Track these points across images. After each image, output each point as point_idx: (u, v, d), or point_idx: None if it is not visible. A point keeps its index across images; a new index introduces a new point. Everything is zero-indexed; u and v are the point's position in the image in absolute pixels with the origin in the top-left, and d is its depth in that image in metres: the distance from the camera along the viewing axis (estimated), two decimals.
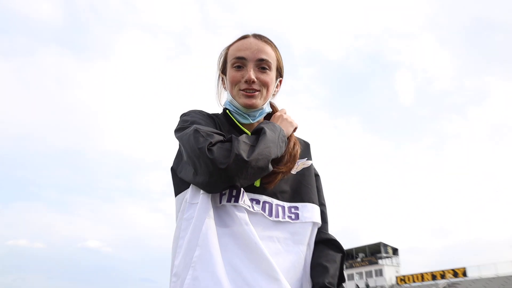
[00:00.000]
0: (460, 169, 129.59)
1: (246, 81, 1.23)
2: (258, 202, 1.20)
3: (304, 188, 1.31)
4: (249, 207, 1.16)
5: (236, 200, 1.14)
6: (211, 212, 1.12)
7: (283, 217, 1.23)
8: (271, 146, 1.13)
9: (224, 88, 1.37)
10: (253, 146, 1.09)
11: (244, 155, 1.05)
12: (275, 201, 1.23)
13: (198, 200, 1.14)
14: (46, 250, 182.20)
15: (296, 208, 1.26)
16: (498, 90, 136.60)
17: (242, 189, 1.16)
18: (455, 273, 41.47)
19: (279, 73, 1.37)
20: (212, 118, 1.27)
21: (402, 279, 46.25)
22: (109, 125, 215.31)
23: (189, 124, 1.17)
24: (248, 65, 1.24)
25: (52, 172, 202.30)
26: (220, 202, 1.15)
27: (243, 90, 1.25)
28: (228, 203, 1.14)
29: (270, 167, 1.13)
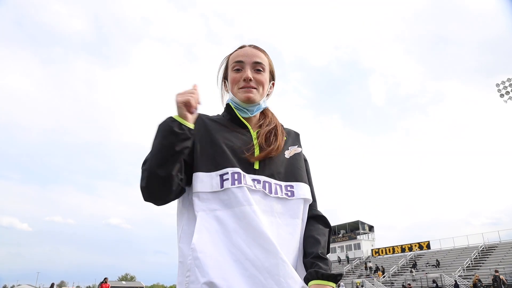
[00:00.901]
0: (423, 158, 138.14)
1: (244, 80, 1.38)
2: (259, 181, 1.30)
3: (297, 170, 1.40)
4: (252, 186, 1.27)
5: (240, 182, 1.25)
6: (206, 197, 1.24)
7: (281, 194, 1.33)
8: (151, 158, 1.19)
9: (226, 91, 1.49)
10: (144, 170, 1.18)
11: (141, 183, 1.18)
12: (273, 181, 1.33)
13: (196, 189, 1.25)
14: (76, 225, 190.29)
15: (292, 186, 1.36)
16: (453, 93, 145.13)
17: (242, 172, 1.27)
18: (420, 246, 44.78)
19: (272, 77, 1.50)
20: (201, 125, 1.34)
21: (377, 252, 49.54)
22: (127, 120, 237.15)
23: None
24: (245, 67, 1.39)
25: (80, 160, 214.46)
26: (222, 187, 1.24)
27: (242, 87, 1.39)
28: (233, 186, 1.23)
29: (170, 169, 1.16)
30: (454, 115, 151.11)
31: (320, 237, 1.33)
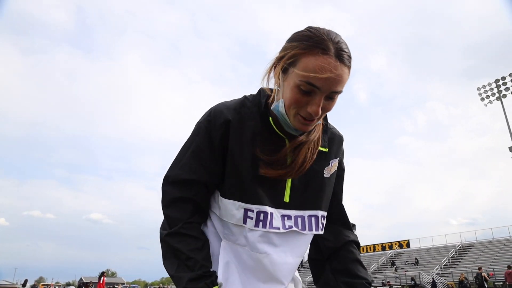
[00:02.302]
0: (405, 158, 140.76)
1: (309, 112, 0.99)
2: (289, 217, 1.13)
3: (329, 194, 1.20)
4: (278, 229, 1.11)
5: (264, 225, 1.10)
6: (229, 226, 1.13)
7: (316, 228, 1.16)
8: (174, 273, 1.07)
9: (278, 84, 1.07)
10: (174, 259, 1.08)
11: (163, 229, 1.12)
12: (307, 213, 1.14)
13: (219, 214, 1.16)
14: (56, 220, 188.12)
15: (325, 217, 1.19)
16: (436, 95, 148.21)
17: (270, 210, 1.10)
18: (400, 245, 45.90)
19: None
20: (217, 139, 1.10)
21: None
22: (110, 114, 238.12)
23: (181, 167, 1.13)
24: (318, 96, 0.98)
25: (62, 154, 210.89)
26: (245, 223, 1.10)
27: (302, 116, 1.02)
28: (256, 228, 1.09)
29: None
30: (436, 117, 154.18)
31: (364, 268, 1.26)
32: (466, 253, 38.52)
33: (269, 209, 1.11)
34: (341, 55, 0.97)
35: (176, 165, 1.16)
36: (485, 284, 16.95)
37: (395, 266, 39.96)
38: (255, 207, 1.11)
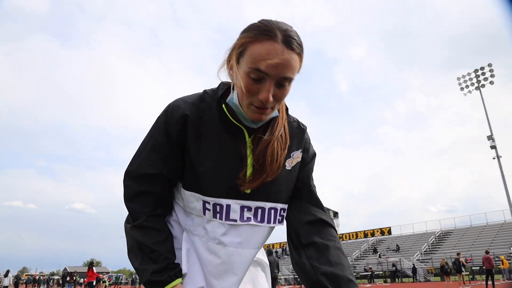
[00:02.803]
0: (386, 146, 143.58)
1: (260, 99, 0.99)
2: (249, 209, 1.13)
3: (291, 186, 1.20)
4: (235, 221, 1.12)
5: (221, 217, 1.11)
6: (190, 217, 1.18)
7: (274, 222, 1.18)
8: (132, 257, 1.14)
9: (230, 74, 1.09)
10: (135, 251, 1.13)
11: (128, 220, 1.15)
12: (268, 204, 1.15)
13: (182, 205, 1.20)
14: (38, 210, 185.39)
15: (285, 210, 1.20)
16: (415, 85, 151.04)
17: (227, 203, 1.11)
18: (382, 232, 47.01)
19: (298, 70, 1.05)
20: (174, 134, 1.09)
21: (340, 237, 49.98)
22: (90, 104, 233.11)
23: (137, 164, 1.14)
24: (268, 82, 0.98)
25: (40, 144, 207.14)
26: (204, 214, 1.13)
27: (255, 106, 1.02)
28: (214, 219, 1.12)
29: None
30: (416, 106, 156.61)
31: (345, 257, 1.15)
32: (446, 239, 39.59)
33: (225, 201, 1.12)
34: (289, 41, 0.98)
35: (136, 160, 1.17)
36: (463, 269, 17.56)
37: (378, 253, 40.87)
38: (211, 200, 1.12)
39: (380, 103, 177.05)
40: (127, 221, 1.17)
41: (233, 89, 1.10)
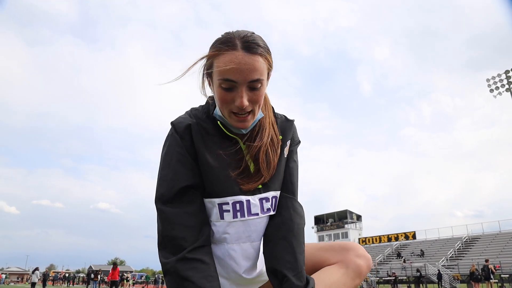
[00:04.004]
0: (410, 148, 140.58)
1: (237, 106, 1.06)
2: (267, 199, 1.17)
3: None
4: (258, 215, 1.16)
5: (243, 215, 1.14)
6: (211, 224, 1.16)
7: (274, 209, 1.23)
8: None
9: (210, 87, 1.17)
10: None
11: (161, 258, 1.07)
12: (278, 193, 1.22)
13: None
14: (64, 209, 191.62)
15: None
16: (441, 86, 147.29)
17: (246, 199, 1.14)
18: (406, 236, 45.97)
19: (269, 70, 1.14)
20: (188, 149, 1.13)
21: (364, 241, 50.22)
22: (114, 105, 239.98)
23: (165, 186, 1.10)
24: (239, 88, 1.04)
25: (67, 144, 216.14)
26: (223, 218, 1.13)
27: (234, 113, 1.09)
28: (235, 219, 1.13)
29: None
30: (441, 108, 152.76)
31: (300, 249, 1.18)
32: (473, 245, 38.41)
33: (244, 197, 1.14)
34: (248, 46, 1.05)
35: (165, 181, 1.12)
36: (492, 277, 17.00)
37: (403, 258, 40.07)
38: (230, 199, 1.13)
39: (404, 104, 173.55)
40: (164, 256, 1.07)
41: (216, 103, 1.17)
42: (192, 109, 1.24)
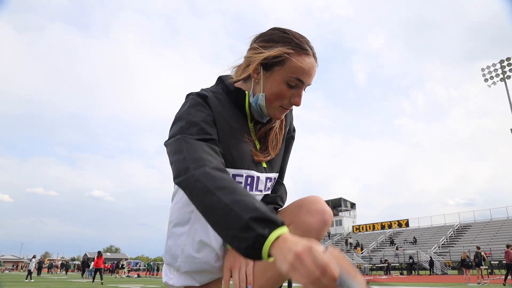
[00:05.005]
0: (404, 138, 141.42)
1: (292, 103, 1.17)
2: (270, 179, 1.26)
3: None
4: (262, 191, 1.24)
5: (252, 188, 1.20)
6: None
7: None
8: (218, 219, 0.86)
9: (255, 79, 1.18)
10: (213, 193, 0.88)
11: (183, 174, 0.96)
12: (273, 175, 1.29)
13: None
14: (58, 197, 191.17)
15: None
16: (436, 76, 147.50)
17: (257, 174, 1.20)
18: (399, 224, 46.58)
19: None
20: (207, 110, 1.14)
21: (357, 228, 51.15)
22: (109, 93, 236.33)
23: (181, 138, 1.04)
24: (301, 88, 1.17)
25: (62, 133, 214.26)
26: None
27: (284, 108, 1.19)
28: None
29: None
30: (436, 98, 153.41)
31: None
32: (464, 233, 39.00)
33: (255, 173, 1.22)
34: (315, 55, 1.19)
35: (189, 122, 1.10)
36: (483, 263, 17.31)
37: (396, 245, 40.62)
38: (244, 172, 1.19)
39: (399, 94, 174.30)
40: (188, 172, 0.96)
41: (253, 89, 1.21)
42: (212, 87, 1.28)
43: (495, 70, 29.59)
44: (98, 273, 19.13)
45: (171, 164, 1.05)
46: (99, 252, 20.55)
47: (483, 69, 30.41)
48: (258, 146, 1.26)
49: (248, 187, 1.20)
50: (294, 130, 1.45)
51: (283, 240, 0.78)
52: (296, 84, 1.15)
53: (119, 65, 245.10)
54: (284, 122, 1.36)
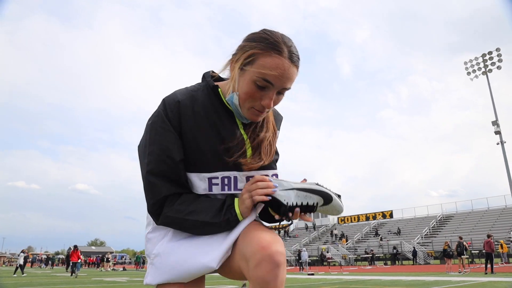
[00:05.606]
0: (388, 131, 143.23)
1: (263, 105, 1.14)
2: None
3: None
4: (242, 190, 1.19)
5: (230, 188, 1.20)
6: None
7: None
8: (191, 226, 1.15)
9: (231, 71, 1.20)
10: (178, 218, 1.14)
11: (156, 220, 1.18)
12: (270, 172, 1.26)
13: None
14: (41, 191, 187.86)
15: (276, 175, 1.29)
16: (418, 69, 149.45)
17: (234, 175, 1.20)
18: (383, 215, 47.40)
19: None
20: (174, 123, 1.16)
21: (342, 220, 51.88)
22: (92, 84, 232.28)
23: (148, 154, 1.16)
24: (271, 91, 1.13)
25: (44, 125, 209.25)
26: (211, 190, 1.19)
27: (255, 109, 1.17)
28: (222, 192, 1.19)
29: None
30: (419, 91, 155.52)
31: None
32: (447, 224, 39.85)
33: (232, 173, 1.21)
34: (292, 57, 1.13)
35: (151, 155, 1.18)
36: (464, 253, 17.71)
37: (380, 236, 41.25)
38: (219, 174, 1.20)
39: (383, 87, 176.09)
40: (159, 214, 1.19)
41: (231, 88, 1.21)
42: (197, 84, 1.28)
43: (478, 63, 30.05)
44: (73, 267, 19.63)
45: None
46: (75, 246, 21.03)
47: (465, 63, 30.86)
48: (249, 153, 1.24)
49: (226, 187, 1.21)
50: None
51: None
52: (265, 85, 1.12)
53: (103, 57, 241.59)
54: (275, 129, 1.33)
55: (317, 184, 1.20)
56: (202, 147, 1.19)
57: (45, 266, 49.56)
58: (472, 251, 28.45)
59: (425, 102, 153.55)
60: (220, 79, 1.31)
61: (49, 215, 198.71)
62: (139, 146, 1.24)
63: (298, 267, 30.53)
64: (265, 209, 1.19)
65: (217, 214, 1.14)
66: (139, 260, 41.20)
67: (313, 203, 1.17)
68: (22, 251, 24.33)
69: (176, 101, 1.19)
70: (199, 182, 1.21)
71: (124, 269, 35.90)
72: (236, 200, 1.17)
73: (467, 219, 38.89)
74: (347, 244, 42.07)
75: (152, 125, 1.19)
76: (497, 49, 29.07)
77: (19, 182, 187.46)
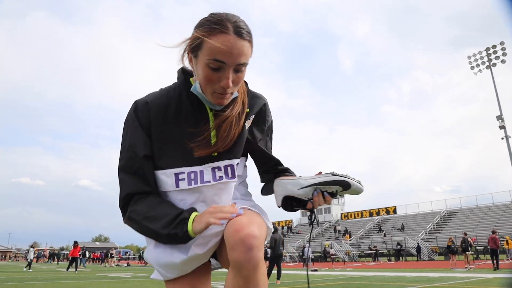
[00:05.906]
0: (390, 125, 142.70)
1: (222, 86, 1.13)
2: (219, 168, 1.24)
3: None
4: (209, 181, 1.22)
5: (196, 182, 1.21)
6: (165, 195, 1.25)
7: (240, 172, 1.35)
8: (148, 231, 1.18)
9: (191, 66, 1.20)
10: (137, 220, 1.18)
11: (123, 217, 1.23)
12: (235, 161, 1.27)
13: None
14: (45, 187, 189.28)
15: (238, 164, 1.31)
16: (419, 63, 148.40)
17: (200, 169, 1.22)
18: (387, 211, 47.42)
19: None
20: (145, 124, 1.21)
21: (346, 216, 51.93)
22: (93, 81, 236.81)
23: (124, 153, 1.23)
24: (226, 70, 1.11)
25: (47, 122, 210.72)
26: (178, 187, 1.21)
27: (217, 93, 1.15)
28: (189, 187, 1.21)
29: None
30: (420, 86, 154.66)
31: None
32: (451, 219, 39.70)
33: (198, 168, 1.23)
34: (239, 32, 1.11)
35: (123, 152, 1.26)
36: (469, 249, 17.62)
37: (383, 232, 41.18)
38: (185, 169, 1.23)
39: (384, 81, 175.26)
40: (125, 211, 1.25)
41: (194, 78, 1.23)
42: (170, 85, 1.31)
43: (481, 57, 29.78)
44: (74, 262, 20.13)
45: None
46: (75, 242, 21.66)
47: (469, 57, 30.59)
48: (213, 137, 1.25)
49: (192, 182, 1.23)
50: (268, 122, 1.41)
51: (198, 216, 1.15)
52: (219, 66, 1.11)
53: (103, 53, 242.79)
54: (243, 109, 1.30)
55: (333, 173, 1.26)
56: (168, 144, 1.23)
57: (51, 262, 49.87)
58: (477, 247, 28.32)
59: (427, 96, 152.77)
60: None
61: (54, 211, 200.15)
62: None
63: (302, 263, 30.51)
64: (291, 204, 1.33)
65: (167, 225, 1.14)
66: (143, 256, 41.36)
67: (332, 191, 1.27)
68: (32, 246, 24.49)
69: (145, 101, 1.24)
70: (166, 178, 1.23)
71: (128, 264, 36.05)
72: (193, 214, 1.16)
73: (472, 215, 38.71)
74: (350, 240, 42.07)
75: (124, 125, 1.26)
76: (502, 43, 28.80)
77: (24, 178, 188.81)
